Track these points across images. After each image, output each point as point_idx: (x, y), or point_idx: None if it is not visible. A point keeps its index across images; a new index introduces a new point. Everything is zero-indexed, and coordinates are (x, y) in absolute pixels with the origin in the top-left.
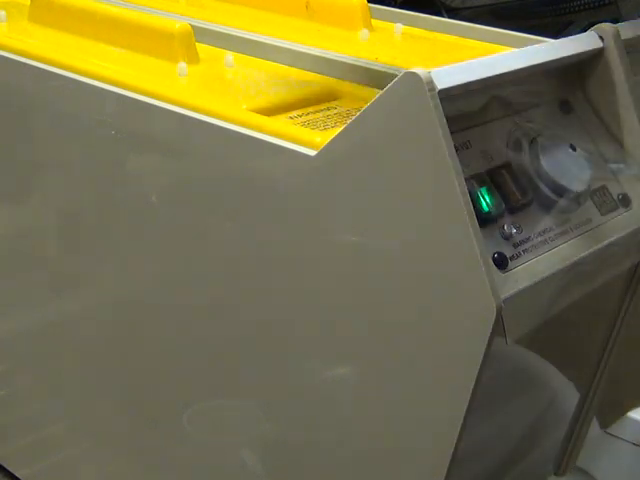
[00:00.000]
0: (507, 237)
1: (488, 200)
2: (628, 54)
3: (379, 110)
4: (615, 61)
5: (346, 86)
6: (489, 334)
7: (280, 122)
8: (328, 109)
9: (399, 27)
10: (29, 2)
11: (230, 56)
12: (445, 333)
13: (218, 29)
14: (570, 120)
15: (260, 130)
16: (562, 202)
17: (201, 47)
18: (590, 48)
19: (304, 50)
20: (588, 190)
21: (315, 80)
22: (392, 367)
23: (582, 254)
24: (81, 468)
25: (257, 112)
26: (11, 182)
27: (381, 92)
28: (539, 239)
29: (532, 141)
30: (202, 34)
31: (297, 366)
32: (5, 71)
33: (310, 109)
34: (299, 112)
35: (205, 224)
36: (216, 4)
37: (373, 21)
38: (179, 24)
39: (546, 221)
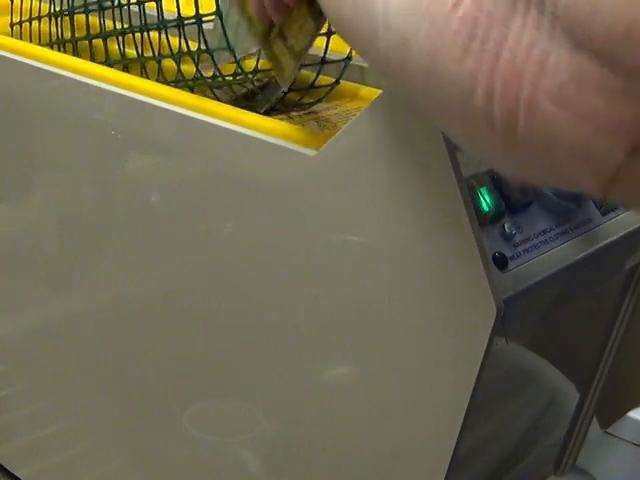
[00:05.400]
0: (507, 237)
1: (488, 200)
2: None
3: (379, 110)
4: None
5: (346, 86)
6: (489, 334)
7: (280, 122)
8: (328, 109)
9: None
10: None
11: None
12: (445, 333)
13: None
14: None
15: (260, 130)
16: (562, 202)
17: None
18: None
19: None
20: None
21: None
22: (392, 367)
23: (582, 254)
24: (81, 468)
25: None
26: (11, 182)
27: (381, 92)
28: (539, 239)
29: None
30: None
31: (297, 366)
32: (5, 71)
33: (310, 109)
34: (299, 112)
35: (205, 224)
36: None
37: None
38: None
39: (546, 221)
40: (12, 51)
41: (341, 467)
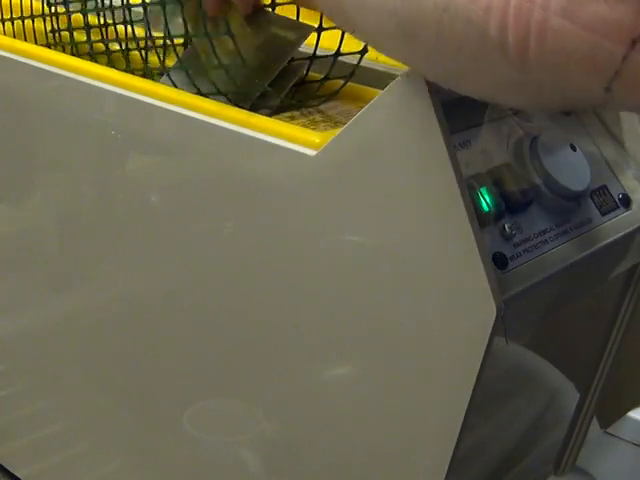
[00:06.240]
0: (507, 237)
1: (488, 200)
2: None
3: (379, 110)
4: None
5: (346, 86)
6: (489, 334)
7: (280, 122)
8: (328, 109)
9: None
10: None
11: None
12: (445, 333)
13: None
14: (570, 120)
15: (260, 130)
16: (562, 202)
17: None
18: None
19: (304, 49)
20: (588, 190)
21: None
22: (392, 367)
23: (582, 254)
24: (81, 468)
25: None
26: (11, 182)
27: (381, 92)
28: (539, 239)
29: (532, 141)
30: None
31: (297, 367)
32: (5, 71)
33: (310, 109)
34: (299, 112)
35: (205, 224)
36: None
37: None
38: None
39: (546, 221)
40: (12, 51)
41: (341, 467)
